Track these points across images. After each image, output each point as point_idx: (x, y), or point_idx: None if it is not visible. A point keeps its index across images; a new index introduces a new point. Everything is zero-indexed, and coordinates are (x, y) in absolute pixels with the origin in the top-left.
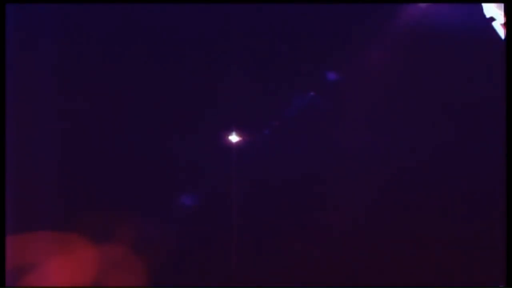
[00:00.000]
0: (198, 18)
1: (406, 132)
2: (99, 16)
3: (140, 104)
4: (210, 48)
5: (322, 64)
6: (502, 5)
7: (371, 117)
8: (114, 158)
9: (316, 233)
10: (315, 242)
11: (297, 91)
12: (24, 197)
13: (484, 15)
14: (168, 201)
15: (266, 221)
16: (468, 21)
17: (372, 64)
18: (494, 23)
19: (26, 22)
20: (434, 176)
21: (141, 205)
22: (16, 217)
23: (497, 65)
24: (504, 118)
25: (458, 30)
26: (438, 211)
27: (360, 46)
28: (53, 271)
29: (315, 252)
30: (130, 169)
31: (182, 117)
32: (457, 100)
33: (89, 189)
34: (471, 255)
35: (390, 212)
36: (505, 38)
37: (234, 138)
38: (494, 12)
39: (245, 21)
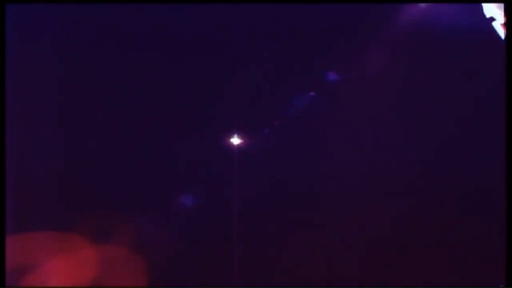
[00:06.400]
0: (199, 19)
1: (406, 131)
2: (99, 16)
3: (141, 105)
4: (211, 49)
5: (322, 64)
6: (502, 5)
7: (371, 116)
8: (115, 158)
9: (318, 233)
10: (317, 243)
11: (297, 91)
12: (24, 197)
13: (484, 15)
14: (170, 202)
15: (267, 222)
16: (468, 21)
17: (372, 64)
18: (494, 23)
19: (26, 22)
20: (434, 175)
21: (141, 206)
22: (16, 217)
23: (497, 65)
24: (504, 118)
25: (458, 30)
26: (438, 211)
27: (360, 46)
28: (53, 271)
29: (316, 252)
30: (131, 170)
31: (184, 119)
32: (457, 100)
33: (89, 189)
34: (471, 255)
35: (391, 212)
36: (505, 38)
37: (235, 140)
38: (494, 12)
39: (246, 22)
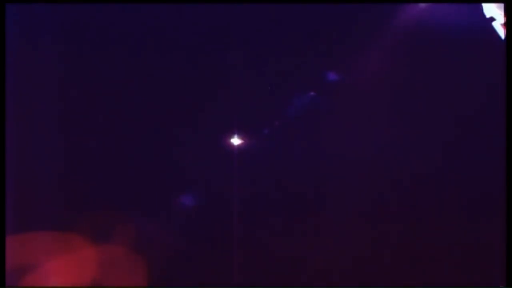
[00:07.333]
0: (199, 19)
1: (406, 132)
2: (99, 16)
3: (141, 105)
4: (211, 49)
5: (322, 64)
6: (502, 5)
7: (371, 116)
8: (115, 159)
9: (318, 233)
10: (317, 243)
11: (297, 91)
12: (24, 197)
13: (484, 15)
14: (170, 202)
15: (267, 222)
16: (468, 21)
17: (372, 63)
18: (494, 23)
19: (26, 22)
20: (433, 175)
21: (141, 206)
22: (16, 217)
23: (497, 65)
24: (504, 118)
25: (458, 30)
26: (438, 211)
27: (360, 46)
28: (53, 271)
29: (316, 252)
30: (131, 170)
31: (184, 119)
32: (457, 100)
33: (89, 189)
34: (471, 255)
35: (392, 212)
36: (505, 38)
37: (235, 140)
38: (494, 12)
39: (246, 22)
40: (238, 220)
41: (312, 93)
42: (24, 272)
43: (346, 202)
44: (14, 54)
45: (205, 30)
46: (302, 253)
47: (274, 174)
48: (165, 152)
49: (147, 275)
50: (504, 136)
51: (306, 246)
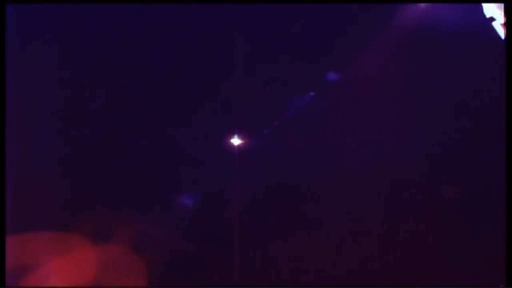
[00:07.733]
0: (200, 19)
1: (406, 132)
2: (99, 16)
3: (141, 105)
4: (211, 49)
5: (322, 64)
6: (502, 5)
7: (371, 117)
8: (115, 158)
9: (318, 233)
10: (317, 243)
11: (297, 91)
12: (24, 197)
13: (484, 15)
14: (170, 202)
15: (267, 222)
16: (468, 21)
17: (373, 64)
18: (494, 23)
19: (26, 22)
20: (433, 175)
21: (141, 206)
22: (16, 217)
23: (497, 65)
24: (504, 118)
25: (458, 30)
26: (438, 211)
27: (360, 46)
28: (53, 271)
29: (317, 252)
30: (131, 170)
31: (184, 119)
32: (456, 101)
33: (89, 189)
34: (471, 255)
35: (393, 212)
36: (505, 38)
37: (236, 140)
38: (494, 12)
39: (245, 22)
40: (238, 220)
41: (312, 93)
42: (24, 272)
43: (347, 202)
44: (14, 54)
45: (205, 30)
46: (302, 253)
47: (274, 174)
48: (165, 152)
49: (147, 275)
50: (504, 136)
51: (306, 246)
